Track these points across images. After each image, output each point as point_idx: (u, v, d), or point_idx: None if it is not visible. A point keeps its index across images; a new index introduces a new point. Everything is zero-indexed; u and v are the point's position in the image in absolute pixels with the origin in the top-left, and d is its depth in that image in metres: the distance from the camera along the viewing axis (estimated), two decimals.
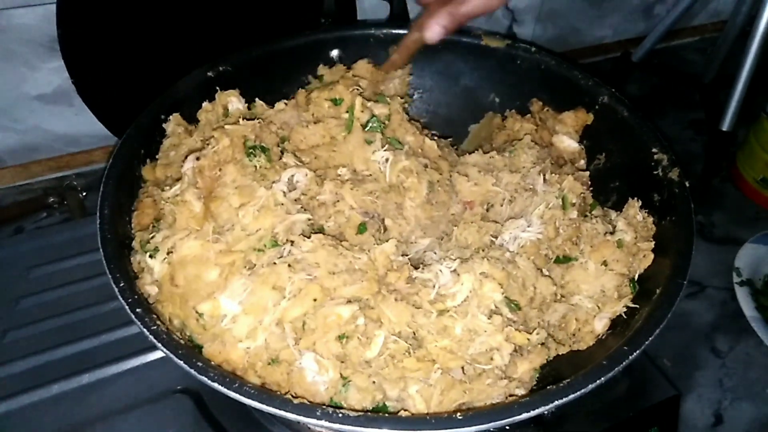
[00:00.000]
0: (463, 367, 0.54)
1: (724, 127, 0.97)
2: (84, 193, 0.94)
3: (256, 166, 0.62)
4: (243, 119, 0.67)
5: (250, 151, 0.62)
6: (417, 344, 0.54)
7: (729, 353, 0.83)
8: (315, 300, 0.53)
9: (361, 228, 0.62)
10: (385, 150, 0.67)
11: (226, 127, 0.63)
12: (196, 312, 0.54)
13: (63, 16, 0.79)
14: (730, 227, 0.99)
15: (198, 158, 0.62)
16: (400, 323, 0.53)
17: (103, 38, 0.82)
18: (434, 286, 0.55)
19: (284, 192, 0.60)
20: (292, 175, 0.62)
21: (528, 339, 0.55)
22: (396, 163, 0.66)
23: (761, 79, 1.01)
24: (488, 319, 0.54)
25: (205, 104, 0.71)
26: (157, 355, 0.69)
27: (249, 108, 0.73)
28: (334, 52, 0.83)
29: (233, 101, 0.71)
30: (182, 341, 0.50)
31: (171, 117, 0.69)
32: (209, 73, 0.74)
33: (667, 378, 0.71)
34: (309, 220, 0.59)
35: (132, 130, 0.66)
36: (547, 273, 0.61)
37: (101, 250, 0.55)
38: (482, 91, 0.85)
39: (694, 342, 0.84)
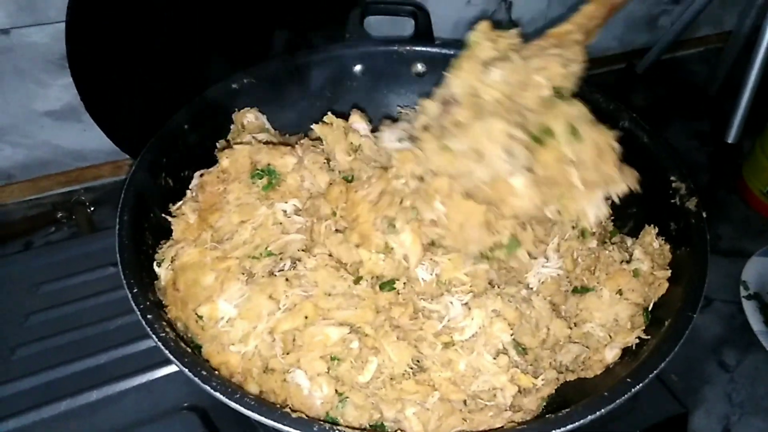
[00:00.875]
0: (465, 401, 0.54)
1: (730, 140, 0.97)
2: (92, 208, 0.95)
3: (261, 187, 0.63)
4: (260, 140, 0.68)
5: (257, 172, 0.64)
6: (420, 369, 0.54)
7: (737, 368, 0.83)
8: (306, 317, 0.55)
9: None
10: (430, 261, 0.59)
11: (235, 147, 0.65)
12: (196, 314, 0.56)
13: (72, 35, 0.80)
14: (737, 240, 0.99)
15: (202, 174, 0.65)
16: (401, 364, 0.53)
17: (112, 56, 0.83)
18: (442, 319, 0.55)
19: (285, 211, 0.61)
20: (298, 207, 0.62)
21: (533, 383, 0.54)
22: (445, 272, 0.59)
23: (766, 91, 1.01)
24: (494, 359, 0.53)
25: (232, 127, 0.74)
26: (165, 371, 0.69)
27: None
28: (358, 67, 0.84)
29: (248, 117, 0.74)
30: (189, 349, 0.51)
31: (218, 143, 0.71)
32: (234, 85, 0.76)
33: (674, 395, 0.71)
34: (304, 240, 0.60)
35: (156, 139, 0.68)
36: (563, 314, 0.60)
37: (118, 255, 0.56)
38: None
39: (702, 356, 0.84)
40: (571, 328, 0.59)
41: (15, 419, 0.65)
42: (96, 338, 0.73)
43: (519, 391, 0.54)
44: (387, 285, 0.58)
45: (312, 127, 0.70)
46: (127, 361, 0.70)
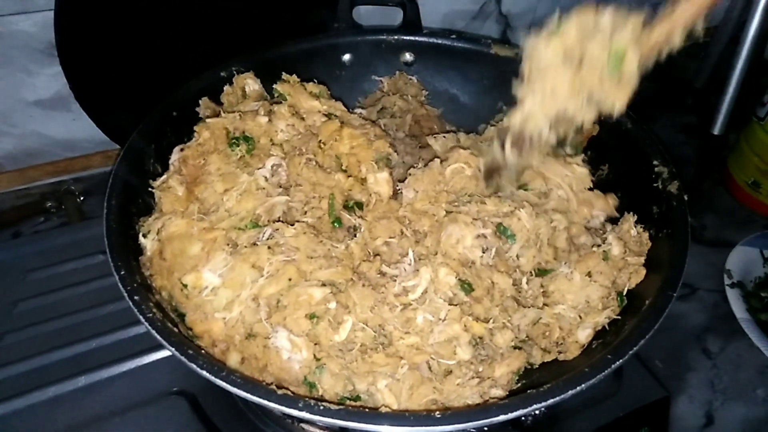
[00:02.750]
0: (429, 363, 0.55)
1: (716, 131, 0.98)
2: (82, 198, 0.95)
3: (240, 155, 0.66)
4: (262, 101, 0.72)
5: (233, 141, 0.66)
6: (387, 342, 0.56)
7: (720, 354, 0.84)
8: (290, 280, 0.57)
9: (337, 222, 0.65)
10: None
11: (207, 120, 0.67)
12: (181, 283, 0.58)
13: (61, 23, 0.80)
14: (722, 230, 1.00)
15: (182, 149, 0.67)
16: (363, 306, 0.56)
17: (101, 44, 0.83)
18: (398, 282, 0.58)
19: (266, 177, 0.64)
20: (276, 164, 0.66)
21: (487, 328, 0.56)
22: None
23: (751, 84, 1.03)
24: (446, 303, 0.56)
25: (226, 88, 0.76)
26: (153, 357, 0.70)
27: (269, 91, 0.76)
28: (346, 57, 0.85)
29: (249, 83, 0.76)
30: (176, 329, 0.52)
31: (201, 101, 0.73)
32: (222, 74, 0.76)
33: (657, 379, 0.72)
34: (288, 201, 0.64)
35: (144, 126, 0.68)
36: (524, 295, 0.62)
37: (105, 239, 0.56)
38: (490, 99, 0.86)
39: (686, 343, 0.85)
40: (511, 279, 0.61)
41: (3, 405, 0.65)
42: (85, 325, 0.73)
43: (475, 343, 0.56)
44: (357, 204, 0.66)
45: (274, 87, 0.73)
46: (116, 347, 0.71)
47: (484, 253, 0.61)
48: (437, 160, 0.69)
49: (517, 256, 0.63)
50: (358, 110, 0.75)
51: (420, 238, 0.64)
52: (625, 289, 0.61)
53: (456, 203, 0.66)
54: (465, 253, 0.61)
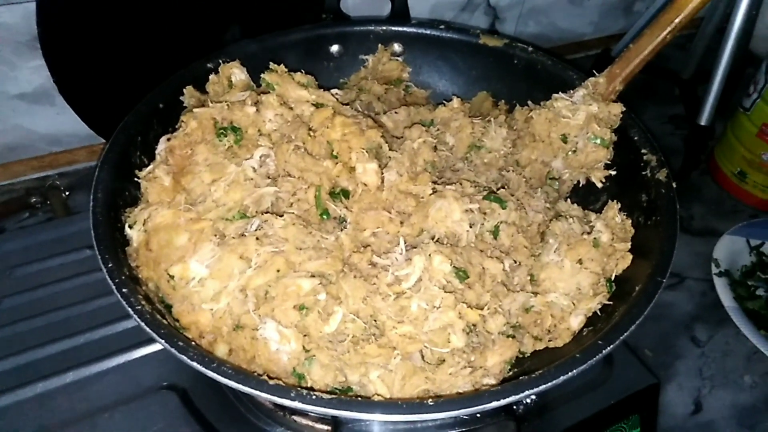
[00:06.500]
0: (422, 352, 0.55)
1: (702, 122, 0.99)
2: (67, 193, 0.94)
3: (227, 146, 0.65)
4: (249, 90, 0.70)
5: (221, 131, 0.65)
6: (379, 332, 0.56)
7: (708, 342, 0.85)
8: (278, 271, 0.57)
9: (325, 214, 0.64)
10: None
11: (195, 110, 0.66)
12: (168, 274, 0.57)
13: (43, 15, 0.79)
14: (709, 219, 1.01)
15: (169, 139, 0.66)
16: (355, 298, 0.56)
17: (85, 36, 0.82)
18: (390, 271, 0.58)
19: (254, 168, 0.63)
20: (264, 155, 0.65)
21: (480, 315, 0.56)
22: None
23: (737, 75, 1.04)
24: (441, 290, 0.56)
25: (211, 77, 0.74)
26: (143, 352, 0.69)
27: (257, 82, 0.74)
28: (334, 48, 0.84)
29: (236, 72, 0.74)
30: (165, 321, 0.51)
31: (185, 89, 0.72)
32: (209, 65, 0.75)
33: (646, 366, 0.73)
34: (277, 192, 0.63)
35: (131, 117, 0.67)
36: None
37: (92, 231, 0.55)
38: (478, 89, 0.86)
39: (674, 332, 0.86)
40: (502, 264, 0.62)
41: None
42: (72, 320, 0.72)
43: (470, 329, 0.56)
44: (343, 192, 0.65)
45: (261, 76, 0.72)
46: (104, 343, 0.70)
47: (471, 227, 0.62)
48: (408, 142, 0.70)
49: (496, 234, 0.64)
50: (334, 90, 0.73)
51: (404, 218, 0.64)
52: (613, 275, 0.62)
53: (441, 183, 0.67)
54: (453, 227, 0.62)
